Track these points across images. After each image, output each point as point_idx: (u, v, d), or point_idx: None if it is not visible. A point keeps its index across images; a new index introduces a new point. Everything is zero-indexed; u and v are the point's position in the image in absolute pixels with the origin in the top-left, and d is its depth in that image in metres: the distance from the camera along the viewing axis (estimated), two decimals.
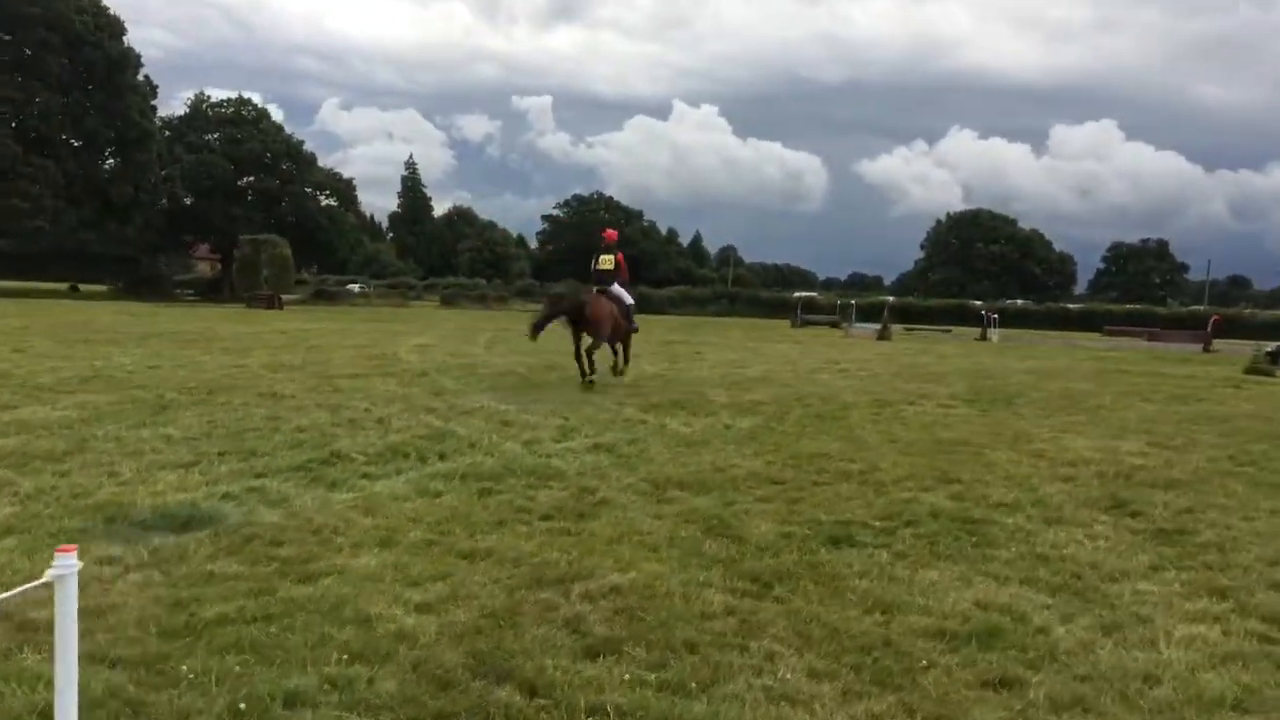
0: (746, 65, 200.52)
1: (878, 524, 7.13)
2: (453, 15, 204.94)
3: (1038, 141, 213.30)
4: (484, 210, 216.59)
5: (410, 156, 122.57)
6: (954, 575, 5.93)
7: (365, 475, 8.29)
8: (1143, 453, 10.94)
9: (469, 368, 18.46)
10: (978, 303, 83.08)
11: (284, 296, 49.65)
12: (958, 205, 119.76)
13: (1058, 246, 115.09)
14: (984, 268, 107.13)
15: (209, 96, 67.46)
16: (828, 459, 9.76)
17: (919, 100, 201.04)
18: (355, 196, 72.52)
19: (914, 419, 13.56)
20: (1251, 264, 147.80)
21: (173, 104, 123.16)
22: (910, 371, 22.43)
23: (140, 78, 61.58)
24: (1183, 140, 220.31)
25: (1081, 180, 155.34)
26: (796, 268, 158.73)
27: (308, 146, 69.16)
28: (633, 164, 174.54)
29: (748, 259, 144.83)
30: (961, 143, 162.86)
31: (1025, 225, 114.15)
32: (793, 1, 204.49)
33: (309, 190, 67.43)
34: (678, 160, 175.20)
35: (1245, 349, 33.72)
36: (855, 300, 59.33)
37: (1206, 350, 39.43)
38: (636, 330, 17.05)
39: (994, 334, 49.63)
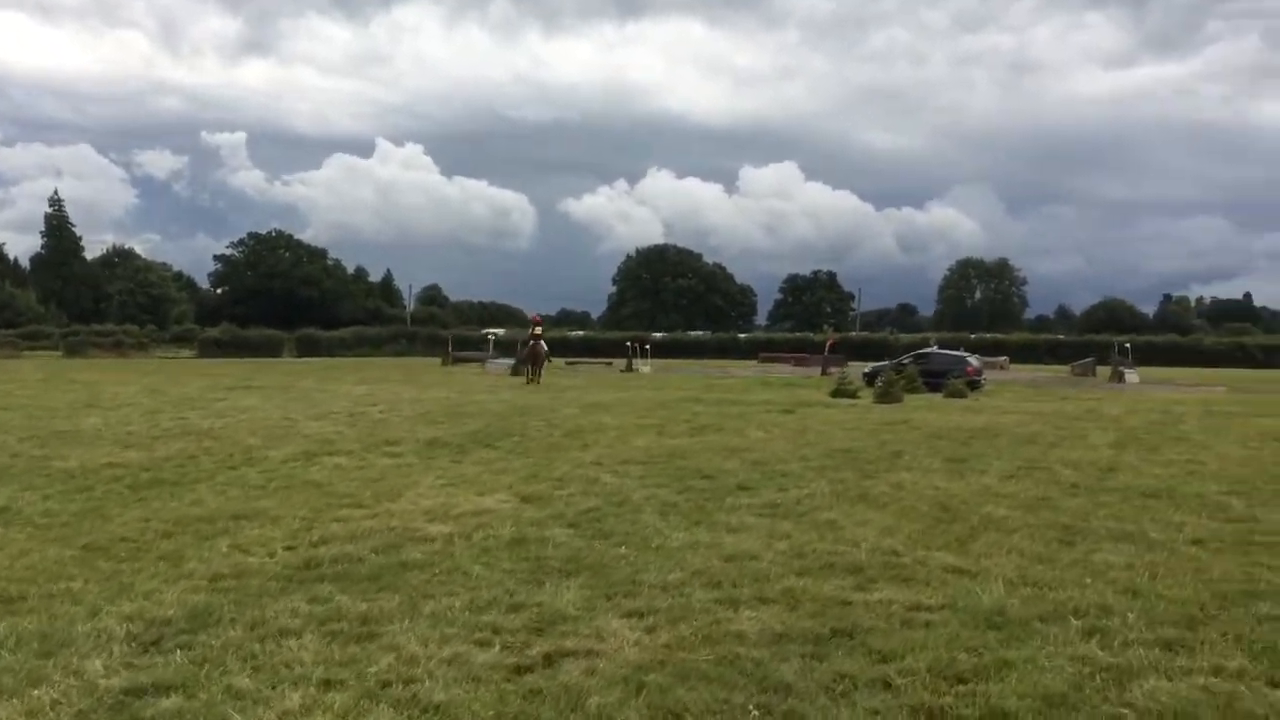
0: (450, 104, 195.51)
1: None
2: (129, 45, 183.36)
3: (729, 181, 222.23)
4: (173, 252, 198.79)
5: (55, 192, 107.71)
6: None
7: None
8: (485, 510, 8.31)
9: None
10: (658, 335, 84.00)
11: None
12: (660, 241, 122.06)
13: (750, 280, 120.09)
14: (672, 300, 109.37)
15: None
16: None
17: (619, 141, 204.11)
18: None
19: (301, 475, 10.54)
20: (917, 293, 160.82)
21: None
22: (446, 412, 19.56)
23: None
24: (855, 181, 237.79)
25: (769, 217, 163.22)
26: (504, 305, 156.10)
27: None
28: (335, 202, 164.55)
29: (455, 297, 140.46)
30: (660, 182, 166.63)
31: (716, 259, 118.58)
32: (492, 42, 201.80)
33: None
34: (383, 198, 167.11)
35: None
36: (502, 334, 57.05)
37: (824, 373, 39.96)
38: (550, 362, 36.10)
39: (645, 365, 48.73)
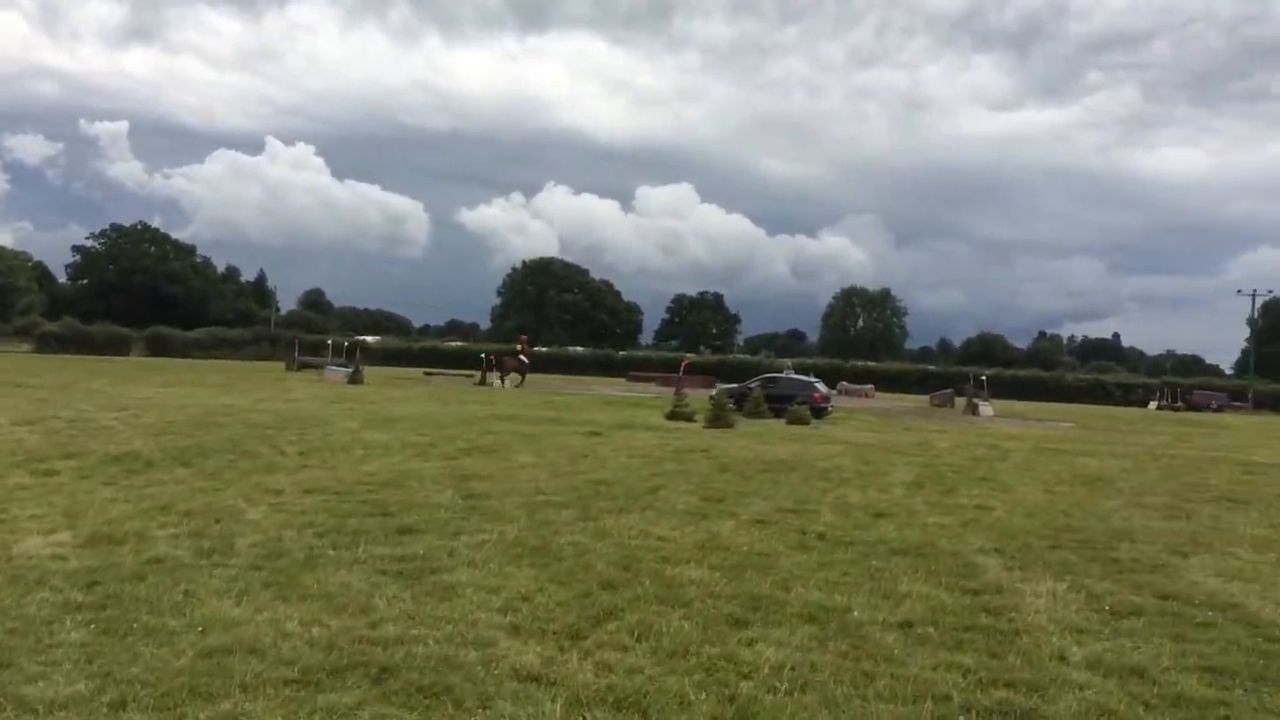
0: (344, 106, 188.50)
1: None
2: (6, 26, 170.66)
3: (625, 199, 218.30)
4: (45, 241, 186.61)
5: None
6: None
7: None
8: (12, 559, 6.11)
9: None
10: (537, 349, 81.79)
11: None
12: (555, 255, 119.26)
13: (644, 298, 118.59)
14: (556, 315, 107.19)
15: None
16: None
17: (516, 154, 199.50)
18: None
19: None
20: (807, 319, 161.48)
21: None
22: (196, 421, 17.05)
23: None
24: (748, 205, 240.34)
25: (664, 237, 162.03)
26: (390, 313, 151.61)
27: None
28: (219, 199, 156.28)
29: (342, 303, 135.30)
30: (556, 197, 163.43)
31: (610, 276, 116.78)
32: (390, 47, 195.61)
33: None
34: (272, 198, 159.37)
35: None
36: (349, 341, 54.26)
37: (677, 394, 38.41)
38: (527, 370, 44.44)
39: (504, 381, 46.47)
